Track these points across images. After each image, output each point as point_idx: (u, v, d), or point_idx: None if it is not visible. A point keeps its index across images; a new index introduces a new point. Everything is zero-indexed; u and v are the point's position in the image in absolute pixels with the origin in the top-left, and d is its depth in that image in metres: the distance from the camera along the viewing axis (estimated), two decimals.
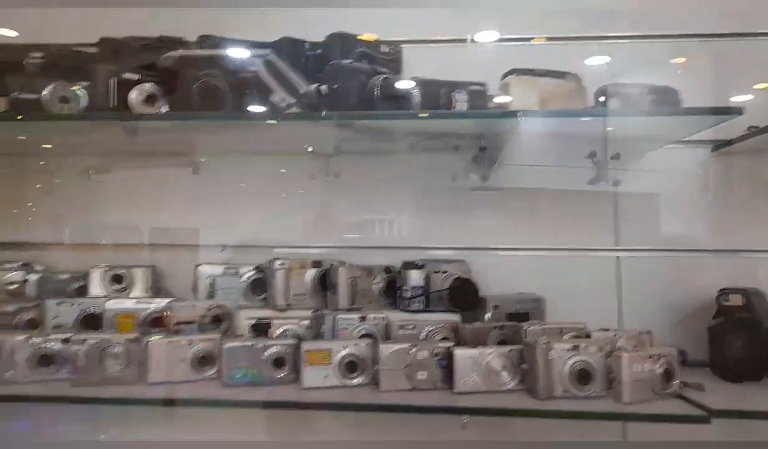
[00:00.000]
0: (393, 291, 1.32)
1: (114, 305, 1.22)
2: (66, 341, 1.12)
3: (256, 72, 1.02)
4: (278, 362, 1.12)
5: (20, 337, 1.11)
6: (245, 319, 1.22)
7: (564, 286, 1.32)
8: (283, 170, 1.43)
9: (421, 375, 1.07)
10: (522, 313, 1.29)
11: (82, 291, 1.35)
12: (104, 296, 1.29)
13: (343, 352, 1.10)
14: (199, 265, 1.33)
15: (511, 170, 1.38)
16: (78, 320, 1.23)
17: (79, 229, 1.50)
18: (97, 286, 1.34)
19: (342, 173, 1.39)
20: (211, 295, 1.32)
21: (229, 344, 1.11)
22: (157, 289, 1.39)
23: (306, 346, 1.08)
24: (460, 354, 1.06)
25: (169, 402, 1.07)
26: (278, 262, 1.31)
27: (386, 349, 1.07)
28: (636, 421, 1.00)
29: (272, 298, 1.30)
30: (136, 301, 1.24)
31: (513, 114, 1.10)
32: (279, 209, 1.43)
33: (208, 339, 1.15)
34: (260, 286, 1.35)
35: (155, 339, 1.11)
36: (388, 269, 1.35)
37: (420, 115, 1.13)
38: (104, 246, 1.45)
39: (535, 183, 1.36)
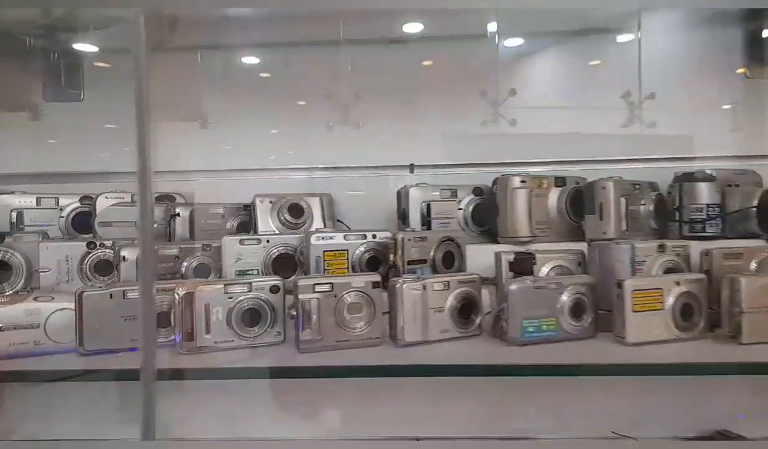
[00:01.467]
0: (664, 215, 1.02)
1: (319, 241, 0.89)
2: (275, 290, 0.81)
3: None
4: (577, 308, 0.81)
5: (214, 287, 0.79)
6: (503, 254, 0.90)
7: None
8: None
9: None
10: None
11: (245, 228, 1.03)
12: (277, 233, 0.97)
13: (676, 290, 0.79)
14: (410, 187, 1.01)
15: None
16: (268, 262, 0.90)
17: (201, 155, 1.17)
18: (267, 220, 1.01)
19: None
20: (426, 224, 1.00)
21: (517, 286, 0.79)
22: (333, 221, 1.08)
23: (632, 285, 0.77)
24: None
25: (440, 371, 0.77)
26: (517, 180, 0.99)
27: (750, 284, 0.76)
28: None
29: (509, 227, 0.98)
30: (344, 235, 0.92)
31: None
32: None
33: (467, 281, 0.84)
34: (480, 213, 1.04)
35: (407, 282, 0.79)
36: (654, 187, 1.03)
37: None
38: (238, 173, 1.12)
39: None
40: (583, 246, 0.93)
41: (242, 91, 1.18)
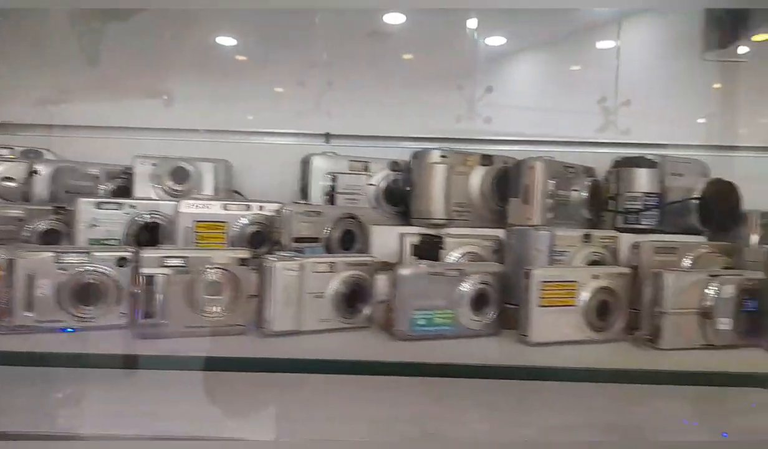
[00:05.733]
0: (599, 203, 0.91)
1: (190, 208, 0.76)
2: (122, 262, 0.68)
3: None
4: (479, 301, 0.70)
5: (44, 255, 0.65)
6: (407, 236, 0.79)
7: None
8: None
9: (724, 324, 0.68)
10: None
11: (123, 193, 0.89)
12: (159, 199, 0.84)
13: (593, 285, 0.69)
14: (312, 155, 0.88)
15: None
16: (130, 232, 0.76)
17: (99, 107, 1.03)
18: (146, 185, 0.88)
19: None
20: (329, 200, 0.88)
21: (409, 271, 0.67)
22: (230, 192, 0.95)
23: (540, 276, 0.66)
24: None
25: (305, 367, 0.65)
26: (436, 154, 0.87)
27: (675, 282, 0.66)
28: None
29: (423, 207, 0.87)
30: (223, 205, 0.79)
31: None
32: None
33: (360, 264, 0.72)
34: (397, 193, 0.92)
35: (281, 260, 0.67)
36: (591, 172, 0.93)
37: None
38: (140, 131, 0.99)
39: None
40: (501, 232, 0.82)
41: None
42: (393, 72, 1.06)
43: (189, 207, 0.75)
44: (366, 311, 0.70)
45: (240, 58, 1.08)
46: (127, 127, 1.01)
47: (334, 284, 0.68)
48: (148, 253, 0.63)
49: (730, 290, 0.66)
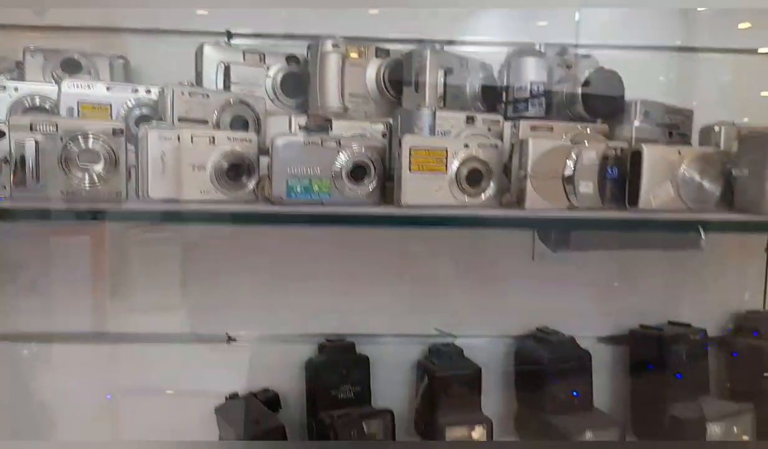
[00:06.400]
0: (492, 95, 0.94)
1: (73, 89, 0.76)
2: None
3: None
4: (358, 171, 0.72)
5: None
6: (295, 118, 0.80)
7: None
8: None
9: (585, 187, 0.71)
10: (672, 124, 0.95)
11: None
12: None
13: (463, 154, 0.71)
14: (204, 44, 0.88)
15: None
16: (14, 114, 0.77)
17: None
18: (37, 78, 0.86)
19: None
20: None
21: (284, 140, 0.69)
22: None
23: (410, 141, 0.69)
24: (652, 153, 0.70)
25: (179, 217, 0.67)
26: (329, 44, 0.88)
27: (538, 147, 0.69)
28: None
29: (319, 98, 0.88)
30: (107, 86, 0.78)
31: None
32: None
33: (242, 139, 0.73)
34: (294, 85, 0.93)
35: (158, 129, 0.68)
36: (486, 67, 0.95)
37: None
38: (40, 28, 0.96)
39: None
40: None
41: None
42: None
43: (72, 87, 0.75)
44: (250, 185, 0.73)
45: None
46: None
47: (215, 157, 0.70)
48: (16, 120, 0.64)
49: (591, 156, 0.70)
